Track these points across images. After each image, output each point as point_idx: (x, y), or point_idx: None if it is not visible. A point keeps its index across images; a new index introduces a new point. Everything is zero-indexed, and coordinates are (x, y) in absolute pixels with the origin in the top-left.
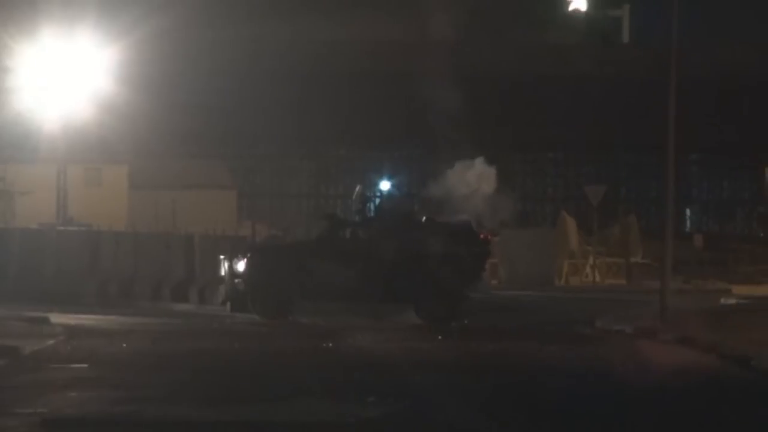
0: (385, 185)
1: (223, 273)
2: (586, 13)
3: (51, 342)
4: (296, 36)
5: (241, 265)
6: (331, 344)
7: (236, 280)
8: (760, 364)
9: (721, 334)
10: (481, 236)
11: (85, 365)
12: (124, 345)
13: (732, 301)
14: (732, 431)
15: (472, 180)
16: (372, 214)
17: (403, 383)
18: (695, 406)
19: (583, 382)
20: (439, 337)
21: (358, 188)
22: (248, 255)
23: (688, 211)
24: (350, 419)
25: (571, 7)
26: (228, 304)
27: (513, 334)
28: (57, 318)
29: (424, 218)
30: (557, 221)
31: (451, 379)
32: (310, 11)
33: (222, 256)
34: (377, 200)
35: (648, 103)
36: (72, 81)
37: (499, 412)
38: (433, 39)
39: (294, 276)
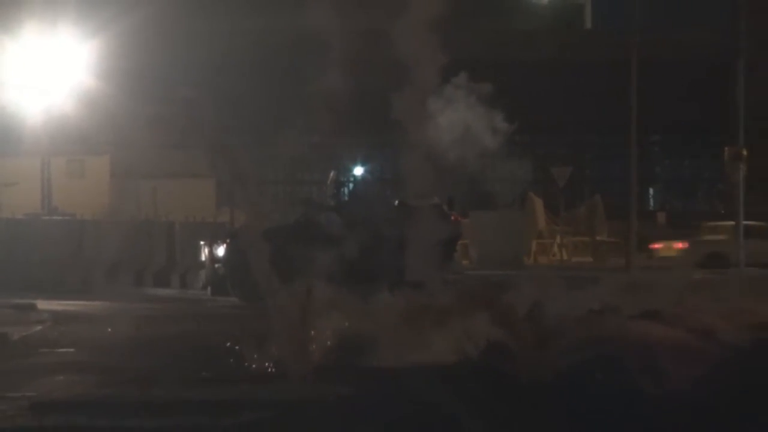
0: (358, 171)
1: (203, 258)
2: (550, 0)
3: (38, 328)
4: (270, 28)
5: (220, 251)
6: None
7: (216, 265)
8: (724, 336)
9: (685, 308)
10: (453, 217)
11: (72, 350)
12: (109, 329)
13: (696, 275)
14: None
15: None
16: (346, 198)
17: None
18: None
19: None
20: None
21: (332, 174)
22: (227, 240)
23: (651, 190)
24: (330, 397)
25: None
26: (208, 289)
27: None
28: (43, 305)
29: (396, 202)
30: (525, 202)
31: None
32: (284, 4)
33: (202, 242)
34: (351, 185)
35: (611, 86)
36: (53, 76)
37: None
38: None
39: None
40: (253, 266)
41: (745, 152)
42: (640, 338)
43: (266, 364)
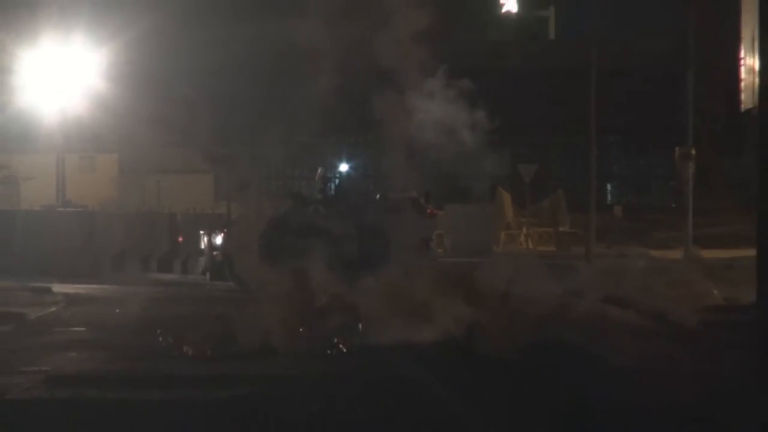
0: (343, 167)
1: (202, 246)
2: (517, 14)
3: (53, 309)
4: (264, 36)
5: (218, 239)
6: None
7: (214, 253)
8: (673, 318)
9: (639, 293)
10: (428, 211)
11: (83, 329)
12: (117, 311)
13: (649, 264)
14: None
15: None
16: (332, 192)
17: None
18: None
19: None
20: None
21: (320, 170)
22: (224, 230)
23: (609, 186)
24: (312, 371)
25: (504, 9)
26: (207, 274)
27: None
28: (58, 288)
29: (378, 195)
30: (495, 196)
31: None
32: (279, 14)
33: (202, 232)
34: (337, 180)
35: (573, 91)
36: (68, 80)
37: None
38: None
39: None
40: (247, 253)
41: (693, 152)
42: (598, 319)
43: (258, 342)
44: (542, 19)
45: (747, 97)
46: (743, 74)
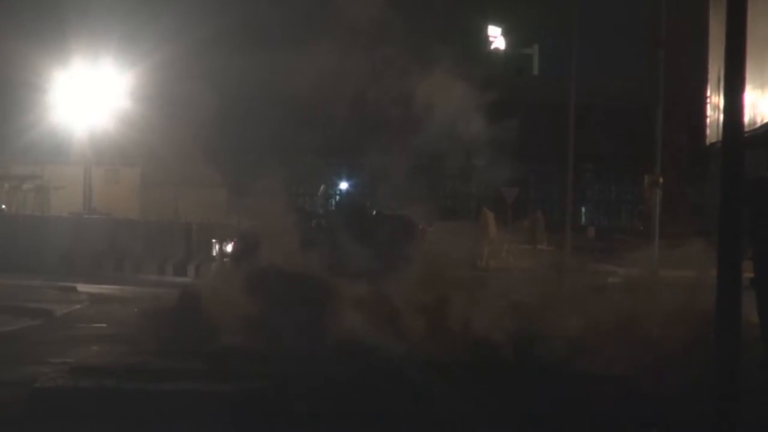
0: (344, 185)
1: (214, 253)
2: (504, 51)
3: (78, 306)
4: (274, 64)
5: (229, 247)
6: None
7: (225, 259)
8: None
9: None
10: (420, 226)
11: (105, 325)
12: (136, 309)
13: (618, 279)
14: None
15: None
16: (333, 208)
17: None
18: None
19: None
20: None
21: (322, 187)
22: (235, 239)
23: (583, 209)
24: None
25: (492, 47)
26: None
27: None
28: (83, 287)
29: (374, 212)
30: (479, 215)
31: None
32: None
33: (214, 240)
34: (337, 197)
35: (552, 123)
36: (96, 99)
37: None
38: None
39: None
40: (255, 260)
41: (661, 180)
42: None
43: (266, 343)
44: (527, 56)
45: (712, 132)
46: (709, 111)
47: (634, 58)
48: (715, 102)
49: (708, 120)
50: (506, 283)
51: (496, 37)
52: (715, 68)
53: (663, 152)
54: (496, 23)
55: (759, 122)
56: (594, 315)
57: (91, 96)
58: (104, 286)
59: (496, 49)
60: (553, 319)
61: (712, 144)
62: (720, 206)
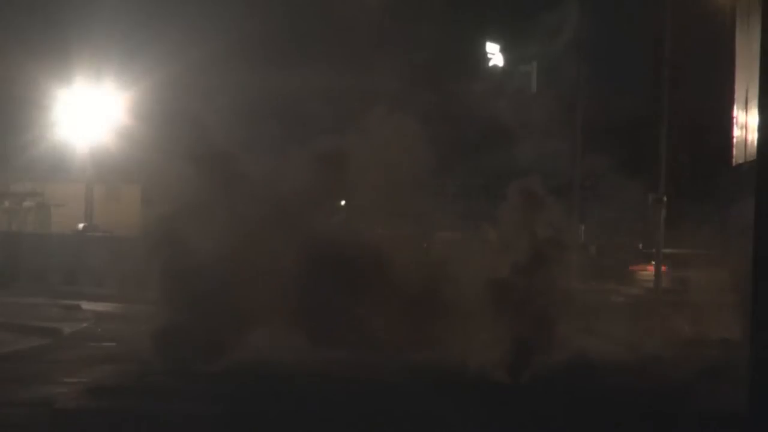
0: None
1: None
2: (503, 68)
3: (84, 325)
4: (279, 83)
5: None
6: None
7: None
8: (644, 350)
9: (611, 324)
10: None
11: (114, 344)
12: (143, 328)
13: (620, 298)
14: None
15: None
16: None
17: None
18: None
19: None
20: None
21: None
22: None
23: (582, 227)
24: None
25: (491, 63)
26: None
27: None
28: (87, 305)
29: None
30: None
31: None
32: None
33: None
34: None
35: (551, 139)
36: (98, 117)
37: None
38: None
39: None
40: None
41: (665, 198)
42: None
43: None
44: (526, 73)
45: (739, 152)
46: (736, 131)
47: (635, 74)
48: (742, 121)
49: (735, 140)
50: None
51: (494, 54)
52: (743, 87)
53: (666, 169)
54: (494, 40)
55: None
56: None
57: (92, 113)
58: (108, 303)
59: (495, 66)
60: None
61: (739, 165)
62: (755, 224)
